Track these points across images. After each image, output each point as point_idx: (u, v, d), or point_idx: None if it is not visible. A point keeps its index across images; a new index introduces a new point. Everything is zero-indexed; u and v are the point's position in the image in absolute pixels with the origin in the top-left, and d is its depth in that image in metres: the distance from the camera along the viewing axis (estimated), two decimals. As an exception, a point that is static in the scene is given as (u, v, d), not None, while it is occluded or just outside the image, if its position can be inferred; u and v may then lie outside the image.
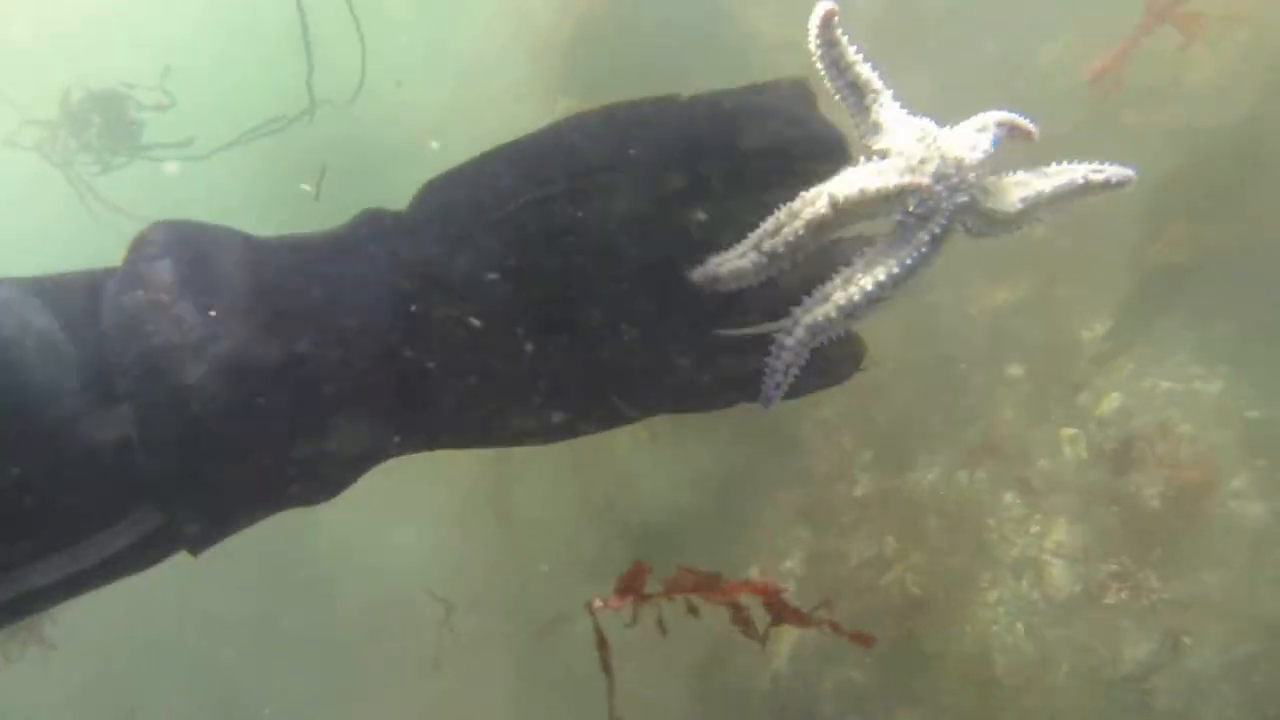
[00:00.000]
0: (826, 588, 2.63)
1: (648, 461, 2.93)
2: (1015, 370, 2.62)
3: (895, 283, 0.71)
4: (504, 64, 4.15)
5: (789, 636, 2.70)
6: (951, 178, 0.71)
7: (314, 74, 4.37)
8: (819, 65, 0.74)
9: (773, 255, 0.69)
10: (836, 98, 0.75)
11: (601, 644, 0.61)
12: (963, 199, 0.71)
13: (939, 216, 0.71)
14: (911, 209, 0.72)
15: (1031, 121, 0.74)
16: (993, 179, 0.74)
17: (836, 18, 0.71)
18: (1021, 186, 0.74)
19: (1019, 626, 2.33)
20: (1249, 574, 2.13)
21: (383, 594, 4.14)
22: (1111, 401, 2.50)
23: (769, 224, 0.71)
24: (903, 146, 0.73)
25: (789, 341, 0.71)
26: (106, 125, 4.44)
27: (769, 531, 2.79)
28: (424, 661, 3.78)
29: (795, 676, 2.64)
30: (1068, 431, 2.49)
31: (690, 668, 2.88)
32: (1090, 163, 0.75)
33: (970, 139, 0.73)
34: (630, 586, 0.60)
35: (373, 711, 4.18)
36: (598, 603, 0.57)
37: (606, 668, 0.61)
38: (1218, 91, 2.45)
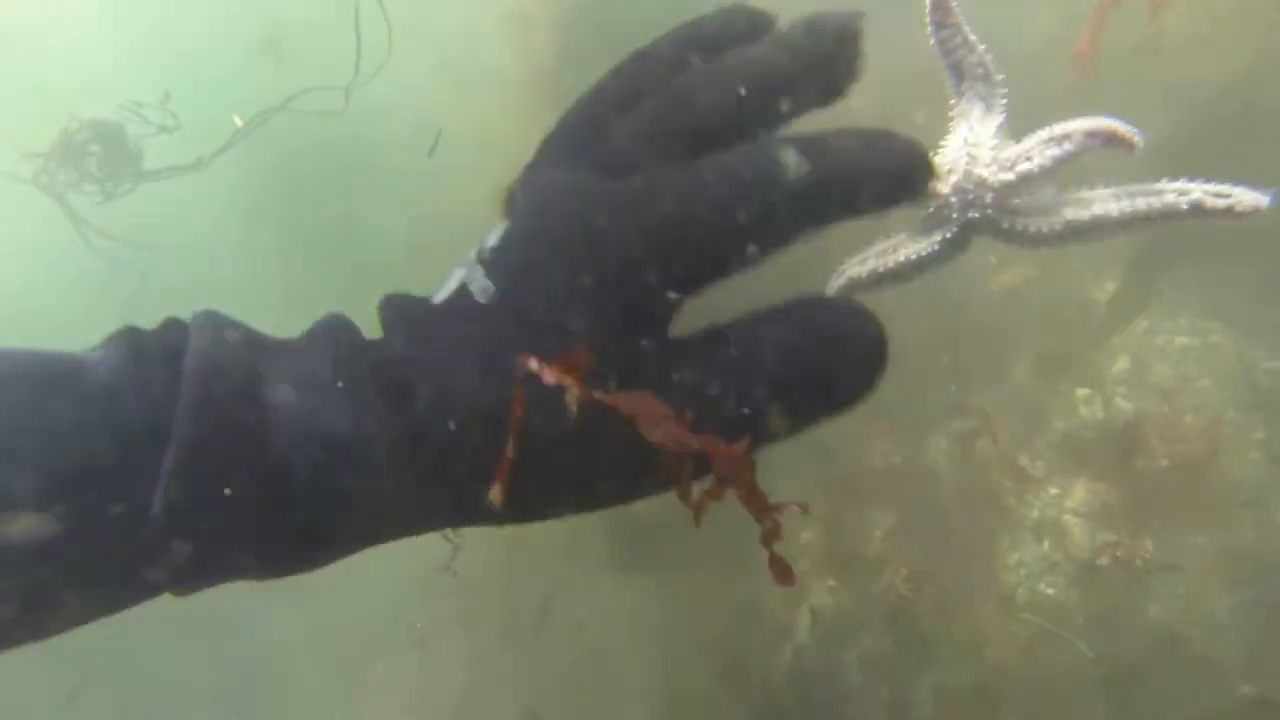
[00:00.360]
0: (845, 559, 2.64)
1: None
2: (1029, 333, 2.60)
3: (914, 267, 0.75)
4: (490, 42, 4.12)
5: (807, 607, 2.70)
6: (968, 194, 0.72)
7: (286, 68, 4.35)
8: (933, 44, 0.74)
9: None
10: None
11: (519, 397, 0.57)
12: (974, 215, 0.72)
13: (950, 225, 0.73)
14: (930, 210, 0.74)
15: (1137, 132, 0.67)
16: (1038, 199, 0.72)
17: (952, 1, 0.72)
18: (1080, 206, 0.70)
19: (1042, 587, 2.33)
20: (1258, 522, 2.14)
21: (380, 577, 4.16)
22: (1126, 360, 2.48)
23: None
24: (950, 147, 0.74)
25: (834, 286, 0.78)
26: (106, 154, 4.40)
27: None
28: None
29: (818, 648, 2.65)
30: (1083, 392, 2.48)
31: (711, 643, 2.90)
32: (1213, 184, 0.66)
33: (1013, 156, 0.72)
34: (572, 366, 0.55)
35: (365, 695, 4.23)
36: (533, 363, 0.54)
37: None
38: (1206, 50, 2.40)
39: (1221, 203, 0.65)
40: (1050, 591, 2.31)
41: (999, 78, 0.73)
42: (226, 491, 0.50)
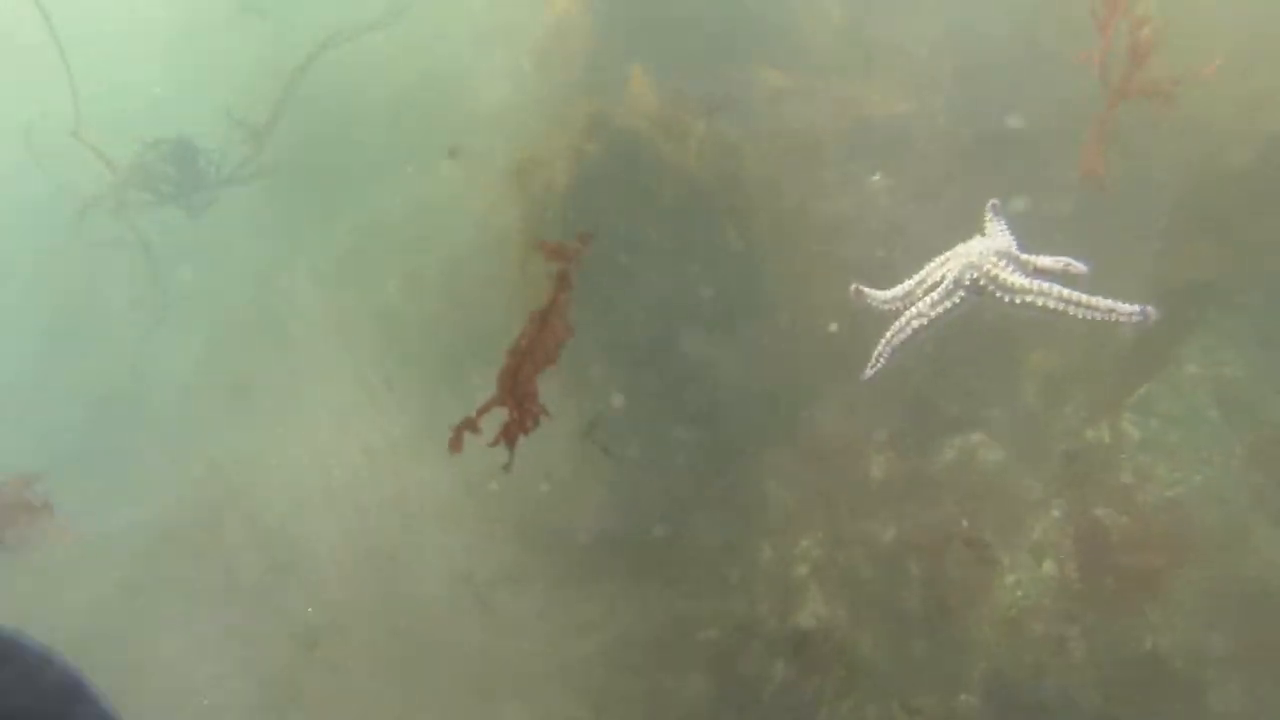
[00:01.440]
0: (846, 566, 2.63)
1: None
2: (1041, 355, 2.58)
3: (939, 321, 1.47)
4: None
5: (801, 616, 2.70)
6: (974, 271, 1.47)
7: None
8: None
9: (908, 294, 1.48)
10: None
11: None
12: (974, 279, 1.47)
13: (960, 289, 1.46)
14: (947, 283, 1.49)
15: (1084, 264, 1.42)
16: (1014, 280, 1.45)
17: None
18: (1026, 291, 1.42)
19: (1036, 608, 2.32)
20: (1247, 559, 2.14)
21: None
22: (1139, 387, 2.45)
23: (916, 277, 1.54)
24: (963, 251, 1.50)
25: (883, 352, 1.47)
26: (180, 173, 4.44)
27: (785, 513, 2.78)
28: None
29: (808, 660, 2.64)
30: (1092, 415, 2.45)
31: (707, 659, 2.88)
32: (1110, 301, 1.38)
33: (1009, 251, 1.48)
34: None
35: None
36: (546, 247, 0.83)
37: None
38: (1220, 92, 2.35)
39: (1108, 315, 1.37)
40: (1046, 611, 2.31)
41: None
42: None
